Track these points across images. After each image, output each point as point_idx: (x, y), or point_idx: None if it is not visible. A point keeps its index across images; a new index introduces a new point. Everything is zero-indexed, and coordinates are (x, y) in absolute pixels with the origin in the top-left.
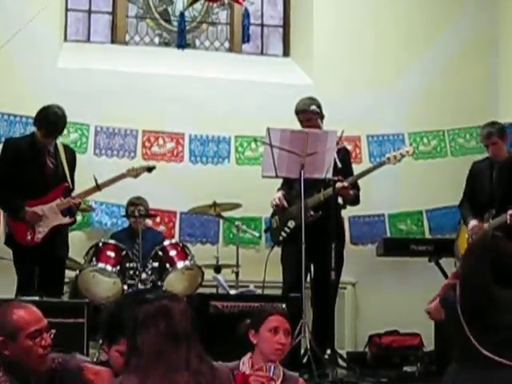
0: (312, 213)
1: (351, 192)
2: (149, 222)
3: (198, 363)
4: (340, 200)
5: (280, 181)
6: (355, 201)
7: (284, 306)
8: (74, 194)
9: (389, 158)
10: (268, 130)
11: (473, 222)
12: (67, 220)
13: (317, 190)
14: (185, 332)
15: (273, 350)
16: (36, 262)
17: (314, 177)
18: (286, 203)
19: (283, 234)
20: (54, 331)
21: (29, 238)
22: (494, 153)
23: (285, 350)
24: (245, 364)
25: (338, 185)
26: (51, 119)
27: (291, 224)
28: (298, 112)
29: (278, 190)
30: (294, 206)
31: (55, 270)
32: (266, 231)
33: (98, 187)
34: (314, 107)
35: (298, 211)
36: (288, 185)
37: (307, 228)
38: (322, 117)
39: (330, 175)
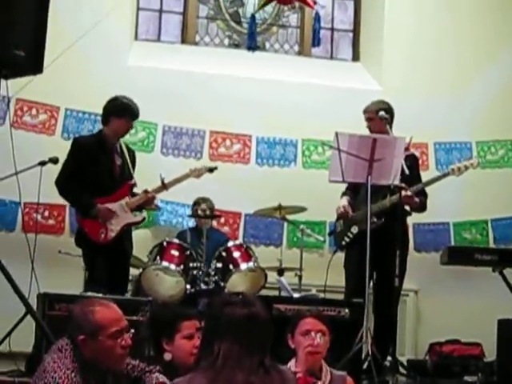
0: (375, 219)
1: (416, 199)
2: (214, 222)
3: (268, 367)
4: (406, 207)
5: (345, 185)
6: (421, 208)
7: (345, 311)
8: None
9: (453, 170)
10: (336, 134)
11: None
12: (138, 218)
13: (382, 196)
14: (265, 341)
15: (307, 353)
16: (104, 259)
17: (381, 183)
18: (350, 210)
19: (346, 238)
20: (133, 331)
21: (102, 236)
22: None
23: (320, 351)
24: (291, 369)
25: (403, 193)
26: (128, 103)
27: (354, 229)
28: (364, 111)
29: (343, 194)
30: (358, 211)
31: (121, 268)
32: (330, 235)
33: (165, 186)
34: (382, 113)
35: (362, 217)
36: (353, 190)
37: (372, 234)
38: (390, 122)
39: (397, 182)
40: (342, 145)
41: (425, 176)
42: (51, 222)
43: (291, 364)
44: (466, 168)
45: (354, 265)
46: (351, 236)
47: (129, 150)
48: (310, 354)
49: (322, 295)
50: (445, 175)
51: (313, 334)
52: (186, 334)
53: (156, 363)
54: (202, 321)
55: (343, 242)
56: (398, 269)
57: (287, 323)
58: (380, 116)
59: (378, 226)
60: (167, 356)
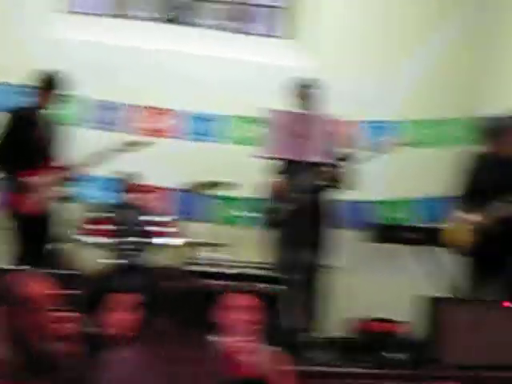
0: (303, 195)
1: (342, 176)
2: (142, 197)
3: (203, 341)
4: (331, 184)
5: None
6: (347, 184)
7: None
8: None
9: (379, 147)
10: (271, 111)
11: (473, 213)
12: (64, 191)
13: (312, 173)
14: (200, 315)
15: (236, 328)
16: (32, 232)
17: (313, 159)
18: (283, 187)
19: (277, 216)
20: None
21: (29, 207)
22: (494, 149)
23: (249, 326)
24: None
25: (330, 169)
26: (57, 76)
27: (285, 207)
28: (292, 89)
29: (272, 171)
30: (288, 188)
31: (46, 241)
32: (260, 212)
33: (96, 160)
34: (309, 91)
35: (292, 194)
36: (284, 167)
37: (300, 212)
38: (317, 99)
39: (328, 159)
40: (276, 121)
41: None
42: None
43: (219, 339)
44: (392, 145)
45: (283, 242)
46: (281, 213)
47: (57, 123)
48: (240, 329)
49: (251, 271)
50: (371, 152)
51: (242, 309)
52: (126, 307)
53: (94, 338)
54: (141, 294)
55: (274, 220)
56: (323, 246)
57: (217, 298)
58: (306, 93)
59: (309, 202)
60: (108, 330)
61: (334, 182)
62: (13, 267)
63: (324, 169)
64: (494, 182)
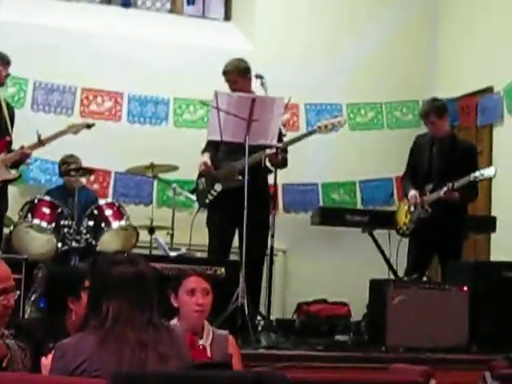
0: (240, 177)
1: (279, 157)
2: (83, 180)
3: (157, 324)
4: (268, 164)
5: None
6: (283, 164)
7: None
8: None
9: (319, 127)
10: (216, 93)
11: (412, 192)
12: (14, 174)
13: (243, 154)
14: (152, 298)
15: (191, 311)
16: None
17: (259, 143)
18: (211, 166)
19: (210, 196)
20: (18, 292)
21: None
22: (432, 131)
23: (204, 310)
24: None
25: (268, 151)
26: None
27: (218, 187)
28: (225, 72)
29: (204, 151)
30: (220, 169)
31: None
32: (192, 192)
33: (41, 142)
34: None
35: (225, 174)
36: (214, 147)
37: (234, 192)
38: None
39: (274, 142)
40: (221, 104)
41: (292, 135)
42: None
43: (173, 322)
44: (334, 125)
45: (217, 224)
46: (215, 194)
47: (7, 106)
48: (196, 312)
49: (197, 254)
50: (311, 132)
51: (198, 292)
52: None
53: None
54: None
55: (207, 200)
56: (262, 228)
57: (166, 282)
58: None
59: (243, 183)
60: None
61: (275, 163)
62: None
63: (267, 151)
64: (430, 162)
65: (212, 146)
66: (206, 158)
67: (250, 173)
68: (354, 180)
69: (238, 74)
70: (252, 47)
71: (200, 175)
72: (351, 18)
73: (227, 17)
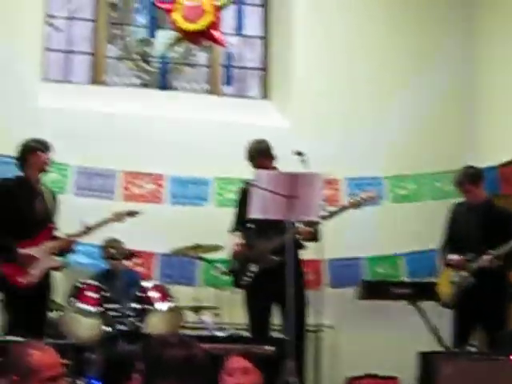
0: (275, 257)
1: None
2: (127, 263)
3: None
4: (307, 240)
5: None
6: (316, 239)
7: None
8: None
9: (351, 203)
10: (256, 171)
11: (453, 256)
12: (59, 262)
13: (276, 232)
14: (205, 381)
15: None
16: (23, 303)
17: (301, 219)
18: (245, 248)
19: (246, 278)
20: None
21: (22, 280)
22: (468, 199)
23: None
24: None
25: (303, 228)
26: (36, 139)
27: (253, 268)
28: (259, 155)
29: (233, 231)
30: (254, 248)
31: (40, 311)
32: (227, 274)
33: (88, 230)
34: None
35: (260, 254)
36: (243, 225)
37: (269, 271)
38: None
39: (316, 217)
40: (262, 182)
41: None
42: None
43: None
44: (365, 201)
45: (255, 302)
46: (251, 275)
47: (51, 193)
48: None
49: (241, 333)
50: (343, 209)
51: (237, 372)
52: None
53: None
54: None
55: (243, 282)
56: (299, 304)
57: (214, 362)
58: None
59: (278, 262)
60: None
61: (308, 238)
62: (12, 338)
63: (304, 226)
64: (468, 231)
65: (241, 225)
66: (238, 238)
67: (283, 251)
68: (397, 252)
69: (259, 156)
70: (290, 124)
71: (234, 256)
72: (390, 90)
73: (265, 95)
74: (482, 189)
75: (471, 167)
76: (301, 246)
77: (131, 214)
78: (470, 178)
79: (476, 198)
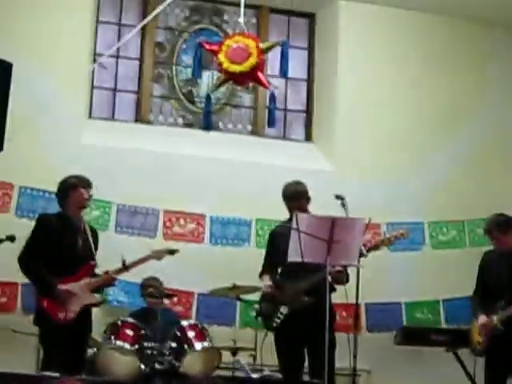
0: (306, 298)
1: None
2: (166, 302)
3: None
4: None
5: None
6: (346, 281)
7: None
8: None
9: (382, 241)
10: (296, 214)
11: (481, 318)
12: (98, 299)
13: (306, 274)
14: None
15: None
16: (62, 338)
17: (340, 263)
18: (275, 290)
19: (277, 320)
20: None
21: (61, 316)
22: (497, 246)
23: None
24: None
25: (335, 268)
26: (76, 176)
27: (284, 310)
28: (296, 197)
29: (262, 274)
30: (284, 290)
31: (79, 348)
32: (256, 317)
33: (126, 268)
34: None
35: (290, 296)
36: (272, 268)
37: (300, 313)
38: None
39: (355, 262)
40: (301, 225)
41: (378, 256)
42: (3, 299)
43: None
44: (396, 238)
45: (286, 345)
46: (282, 317)
47: (91, 229)
48: None
49: (277, 375)
50: (376, 247)
51: None
52: None
53: None
54: None
55: (274, 324)
56: (329, 348)
57: None
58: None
59: (308, 303)
60: None
61: (339, 281)
62: (48, 374)
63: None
64: (498, 278)
65: (269, 268)
66: (269, 280)
67: (316, 292)
68: (437, 299)
69: (297, 197)
70: (333, 168)
71: (263, 298)
72: (433, 134)
73: (308, 138)
74: (510, 237)
75: (501, 215)
76: (333, 289)
77: (170, 252)
78: (498, 225)
79: (504, 246)
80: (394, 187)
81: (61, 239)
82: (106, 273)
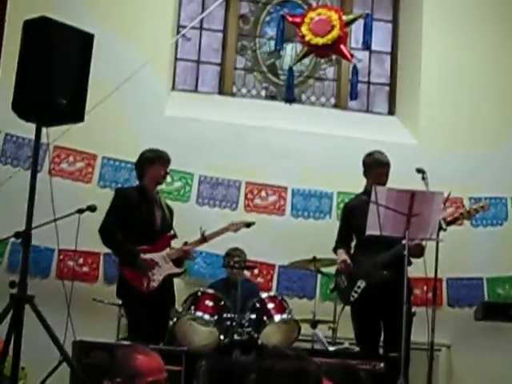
0: (385, 272)
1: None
2: (247, 273)
3: None
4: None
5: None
6: (421, 255)
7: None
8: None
9: (462, 213)
10: (375, 188)
11: None
12: (179, 269)
13: (382, 247)
14: None
15: None
16: (145, 309)
17: (419, 237)
18: (351, 263)
19: (354, 294)
20: None
21: (145, 285)
22: None
23: None
24: None
25: (414, 242)
26: (155, 150)
27: (361, 284)
28: (383, 164)
29: (336, 247)
30: (361, 264)
31: (161, 318)
32: (332, 291)
33: (205, 239)
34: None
35: (368, 270)
36: (346, 242)
37: (378, 286)
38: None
39: (434, 236)
40: (380, 198)
41: (460, 231)
42: (85, 269)
43: None
44: (476, 211)
45: (364, 318)
46: (359, 291)
47: (167, 206)
48: None
49: (355, 348)
50: (456, 219)
51: None
52: None
53: None
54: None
55: (351, 298)
56: (406, 322)
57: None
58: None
59: (386, 277)
60: None
61: (415, 255)
62: (124, 343)
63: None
64: None
65: (344, 242)
66: (344, 255)
67: (393, 266)
68: None
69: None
70: (416, 141)
71: (338, 272)
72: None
73: (391, 111)
74: None
75: None
76: (409, 263)
77: (247, 224)
78: None
79: None
80: (477, 161)
81: (139, 211)
82: (185, 243)
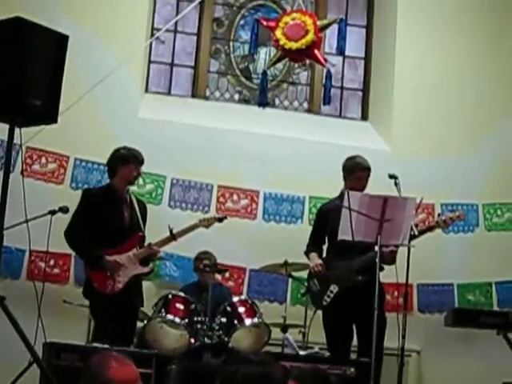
0: (360, 277)
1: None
2: (218, 277)
3: None
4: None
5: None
6: (393, 262)
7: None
8: (146, 243)
9: (437, 222)
10: (347, 193)
11: None
12: (146, 269)
13: (357, 252)
14: None
15: None
16: (112, 310)
17: (391, 243)
18: (324, 269)
19: (327, 299)
20: None
21: (109, 287)
22: None
23: None
24: None
25: (388, 248)
26: (130, 149)
27: (334, 288)
28: (364, 168)
29: (308, 252)
30: (334, 269)
31: (128, 320)
32: (304, 295)
33: (174, 237)
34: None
35: (341, 275)
36: (317, 246)
37: (350, 291)
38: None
39: (406, 242)
40: (353, 204)
41: (432, 237)
42: (56, 270)
43: None
44: (452, 220)
45: (335, 323)
46: (331, 295)
47: (139, 201)
48: None
49: (325, 353)
50: (431, 228)
51: None
52: None
53: None
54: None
55: (324, 302)
56: (379, 327)
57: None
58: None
59: (360, 282)
60: None
61: (387, 261)
62: (98, 345)
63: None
64: None
65: (316, 245)
66: (317, 258)
67: (367, 271)
68: (490, 281)
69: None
70: (389, 147)
71: (311, 276)
72: (489, 114)
73: (364, 117)
74: None
75: None
76: (381, 268)
77: (219, 219)
78: None
79: None
80: (449, 167)
81: (106, 212)
82: (149, 245)
